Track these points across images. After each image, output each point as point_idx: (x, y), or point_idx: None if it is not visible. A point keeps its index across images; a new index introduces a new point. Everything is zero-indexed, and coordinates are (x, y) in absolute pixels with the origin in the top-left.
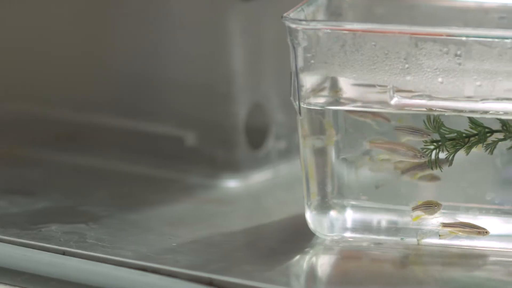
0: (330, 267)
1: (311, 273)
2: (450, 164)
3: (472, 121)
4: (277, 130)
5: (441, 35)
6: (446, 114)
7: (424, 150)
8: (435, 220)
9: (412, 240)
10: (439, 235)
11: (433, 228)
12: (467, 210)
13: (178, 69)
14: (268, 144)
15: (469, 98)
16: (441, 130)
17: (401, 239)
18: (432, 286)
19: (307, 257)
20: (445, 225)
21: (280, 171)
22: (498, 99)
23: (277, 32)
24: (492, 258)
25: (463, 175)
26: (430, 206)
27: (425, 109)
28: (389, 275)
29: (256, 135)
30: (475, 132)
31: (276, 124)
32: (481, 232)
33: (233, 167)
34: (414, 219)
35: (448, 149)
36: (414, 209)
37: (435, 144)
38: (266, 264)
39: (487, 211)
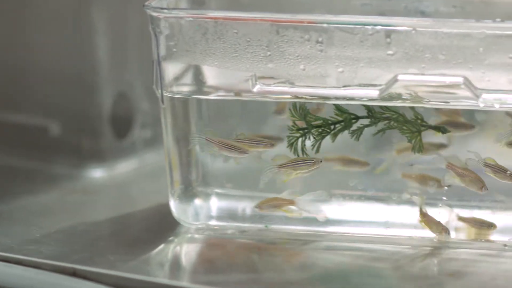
0: (194, 255)
1: (175, 262)
2: (317, 151)
3: (337, 107)
4: (142, 119)
5: (302, 22)
6: (313, 101)
7: (290, 138)
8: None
9: (277, 227)
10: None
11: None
12: (331, 196)
13: (42, 59)
14: (134, 134)
15: (331, 85)
16: (307, 118)
17: (265, 226)
18: (292, 272)
19: (171, 246)
20: (460, 218)
21: (145, 160)
22: (360, 85)
23: (142, 22)
24: (355, 245)
25: (327, 162)
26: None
27: (290, 97)
28: (253, 262)
29: (121, 125)
30: (340, 119)
31: (141, 113)
32: (490, 226)
33: (98, 156)
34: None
35: (315, 136)
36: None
37: (301, 131)
38: (130, 253)
39: (350, 197)
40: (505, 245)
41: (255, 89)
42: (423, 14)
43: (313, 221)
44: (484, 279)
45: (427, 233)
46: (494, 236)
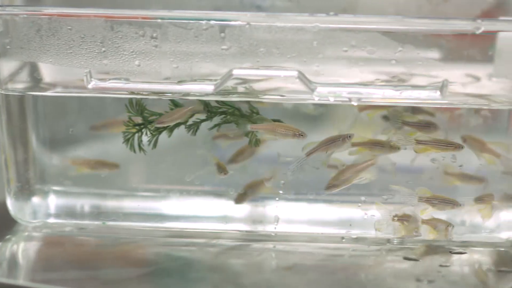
0: (32, 254)
1: (12, 261)
2: (154, 146)
3: (173, 103)
4: None
5: (137, 18)
6: (149, 97)
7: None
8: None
9: (114, 224)
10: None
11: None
12: (168, 192)
13: None
14: None
15: (167, 80)
16: (144, 114)
17: (103, 223)
18: (130, 268)
19: (8, 245)
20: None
21: None
22: (195, 80)
23: None
24: (194, 240)
25: (164, 158)
26: None
27: (126, 93)
28: (91, 259)
29: None
30: None
31: None
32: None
33: None
34: None
35: (152, 132)
36: None
37: (137, 127)
38: None
39: (188, 193)
40: (342, 238)
41: (90, 86)
42: (259, 8)
43: (151, 217)
44: (322, 272)
45: (265, 227)
46: (332, 229)
